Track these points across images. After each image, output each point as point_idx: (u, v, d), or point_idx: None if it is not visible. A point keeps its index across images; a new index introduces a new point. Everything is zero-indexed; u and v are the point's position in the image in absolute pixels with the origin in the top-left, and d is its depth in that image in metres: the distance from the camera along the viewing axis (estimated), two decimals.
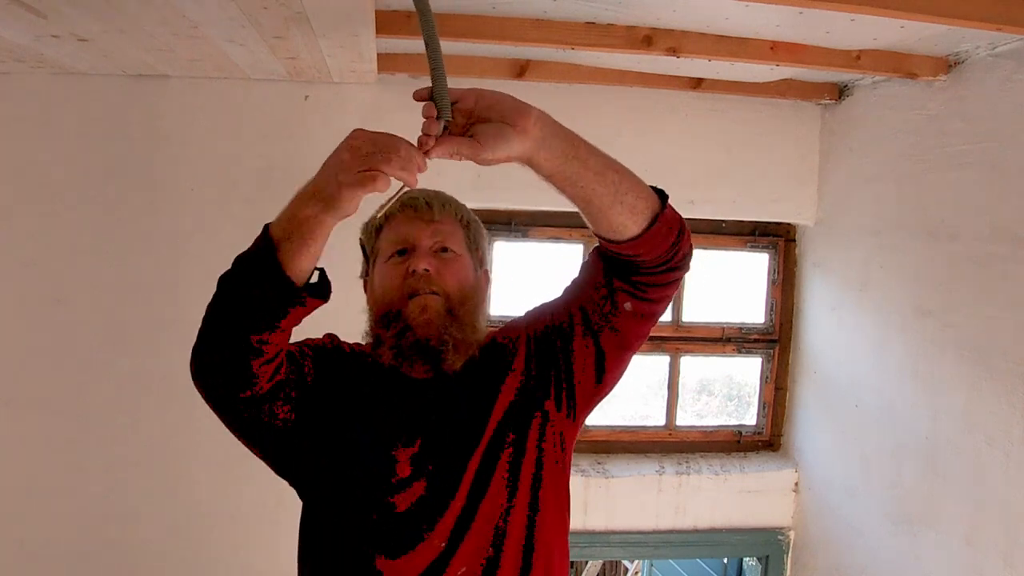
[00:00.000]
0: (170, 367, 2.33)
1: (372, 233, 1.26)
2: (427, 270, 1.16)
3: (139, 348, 2.31)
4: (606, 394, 1.24)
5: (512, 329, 1.28)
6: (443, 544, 1.12)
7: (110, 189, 2.26)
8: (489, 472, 1.15)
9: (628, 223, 1.06)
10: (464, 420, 1.18)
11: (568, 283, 1.24)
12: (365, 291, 1.30)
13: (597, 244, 1.15)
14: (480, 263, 1.28)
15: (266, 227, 1.09)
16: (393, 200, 1.06)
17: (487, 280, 1.31)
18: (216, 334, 1.11)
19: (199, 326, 1.13)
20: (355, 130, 1.01)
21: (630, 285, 1.13)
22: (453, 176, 2.44)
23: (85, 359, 2.29)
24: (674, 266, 1.13)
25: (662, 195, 1.11)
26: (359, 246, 1.32)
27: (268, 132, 2.33)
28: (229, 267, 1.12)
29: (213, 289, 1.11)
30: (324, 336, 1.31)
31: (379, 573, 1.12)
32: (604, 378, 1.20)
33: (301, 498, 1.26)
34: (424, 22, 1.08)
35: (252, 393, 1.10)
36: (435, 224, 1.21)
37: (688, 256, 1.15)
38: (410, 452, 1.16)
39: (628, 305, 1.14)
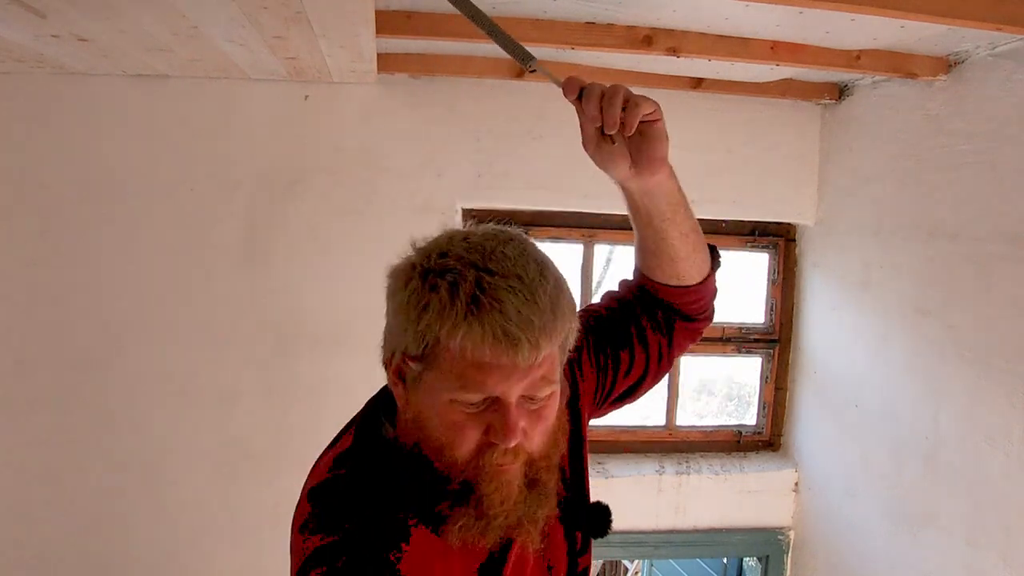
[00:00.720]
0: (169, 367, 2.34)
1: (422, 340, 0.84)
2: (520, 442, 0.86)
3: (139, 348, 2.31)
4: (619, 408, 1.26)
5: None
6: None
7: (110, 189, 2.26)
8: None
9: (692, 272, 1.13)
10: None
11: (608, 304, 1.20)
12: (388, 367, 0.92)
13: (628, 280, 1.21)
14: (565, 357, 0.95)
15: None
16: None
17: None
18: None
19: None
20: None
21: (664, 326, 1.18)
22: (453, 176, 2.45)
23: (85, 359, 2.29)
24: (707, 317, 1.22)
25: (713, 250, 1.19)
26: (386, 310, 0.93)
27: (268, 132, 2.33)
28: None
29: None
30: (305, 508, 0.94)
31: None
32: (640, 386, 1.21)
33: None
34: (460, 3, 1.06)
35: None
36: (534, 370, 0.84)
37: (713, 314, 1.23)
38: None
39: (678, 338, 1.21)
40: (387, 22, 1.76)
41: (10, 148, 2.22)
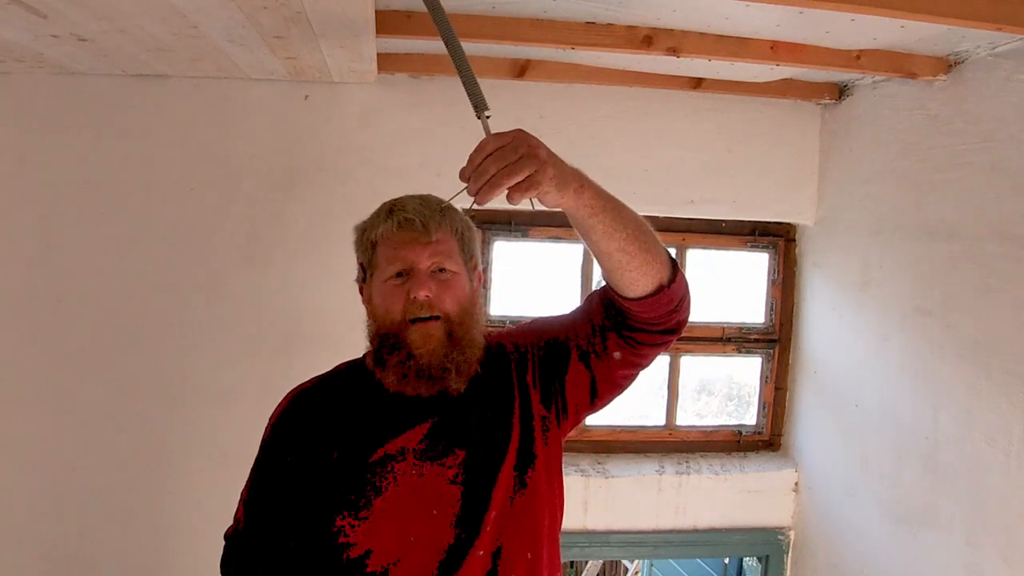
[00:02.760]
0: (170, 367, 2.34)
1: (368, 247, 1.26)
2: (428, 296, 1.18)
3: (139, 348, 2.31)
4: (600, 409, 1.32)
5: (522, 336, 1.33)
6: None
7: (110, 189, 2.26)
8: (518, 476, 1.22)
9: (634, 288, 1.15)
10: (486, 431, 1.23)
11: (571, 309, 1.32)
12: (361, 293, 1.31)
13: (603, 285, 1.23)
14: (473, 268, 1.30)
15: None
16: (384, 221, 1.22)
17: (480, 280, 1.34)
18: None
19: None
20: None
21: (621, 336, 1.22)
22: (452, 176, 2.45)
23: (85, 359, 2.29)
24: (667, 329, 1.22)
25: (674, 265, 1.19)
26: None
27: (268, 132, 2.33)
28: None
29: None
30: (284, 401, 1.33)
31: None
32: (596, 401, 1.29)
33: None
34: (439, 23, 1.09)
35: None
36: (432, 245, 1.21)
37: (683, 324, 1.24)
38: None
39: (617, 354, 1.24)
40: (387, 22, 1.76)
41: (10, 148, 2.22)
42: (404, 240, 1.20)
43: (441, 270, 1.21)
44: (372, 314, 1.26)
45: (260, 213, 2.34)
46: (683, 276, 1.21)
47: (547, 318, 1.36)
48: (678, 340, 1.25)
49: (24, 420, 2.27)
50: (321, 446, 1.23)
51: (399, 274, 1.20)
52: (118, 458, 2.32)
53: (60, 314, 2.27)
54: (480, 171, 0.96)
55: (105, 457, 2.31)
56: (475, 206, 1.04)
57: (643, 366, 1.28)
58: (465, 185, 0.99)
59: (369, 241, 1.25)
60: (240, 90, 2.29)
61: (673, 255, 1.20)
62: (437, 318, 1.19)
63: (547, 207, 1.05)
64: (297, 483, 1.23)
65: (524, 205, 1.02)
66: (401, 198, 1.26)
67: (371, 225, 1.24)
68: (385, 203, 1.28)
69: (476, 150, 0.98)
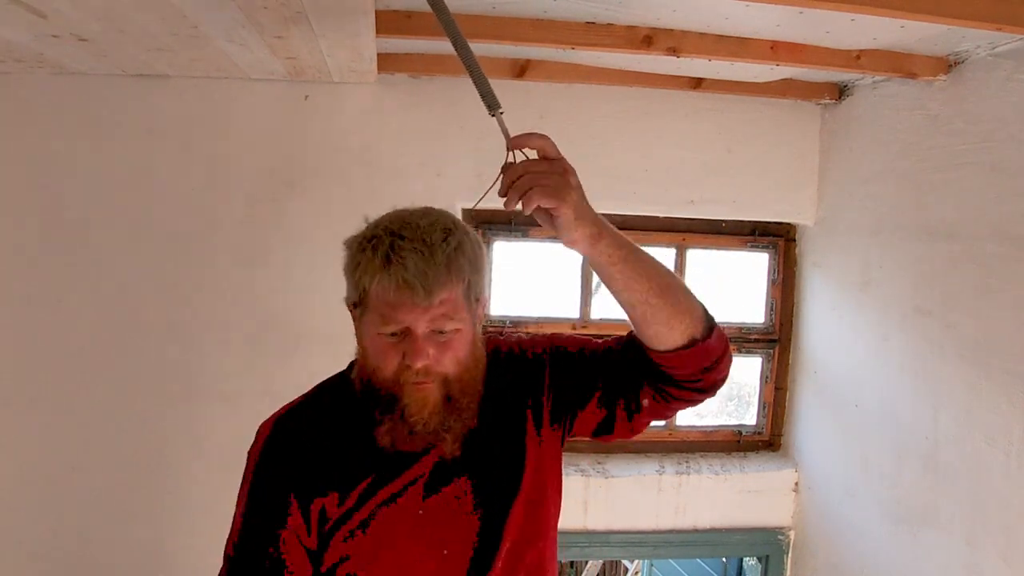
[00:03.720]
0: (169, 367, 2.34)
1: (359, 289, 1.10)
2: (426, 363, 1.08)
3: (139, 348, 2.31)
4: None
5: (536, 345, 1.29)
6: None
7: (110, 189, 2.26)
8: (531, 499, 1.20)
9: (659, 342, 1.13)
10: (496, 458, 1.20)
11: (605, 345, 1.27)
12: (353, 319, 1.19)
13: (628, 338, 1.22)
14: (478, 301, 1.16)
15: None
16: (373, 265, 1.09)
17: (484, 308, 1.23)
18: None
19: None
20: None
21: (652, 386, 1.19)
22: (452, 176, 2.45)
23: (85, 359, 2.29)
24: (701, 388, 1.18)
25: (710, 322, 1.15)
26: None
27: (268, 132, 2.33)
28: None
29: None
30: (264, 432, 1.22)
31: None
32: (601, 437, 1.27)
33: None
34: (445, 24, 1.10)
35: None
36: (432, 308, 1.06)
37: (719, 384, 1.19)
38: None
39: (646, 402, 1.20)
40: (387, 22, 1.76)
41: (10, 148, 2.22)
42: (401, 302, 1.05)
43: (440, 333, 1.09)
44: (363, 356, 1.15)
45: (260, 213, 2.34)
46: (721, 334, 1.16)
47: (570, 337, 1.30)
48: None
49: (24, 420, 2.28)
50: (315, 487, 1.15)
51: (393, 333, 1.09)
52: (118, 458, 2.32)
53: (60, 314, 2.27)
54: (509, 192, 1.01)
55: (105, 457, 2.31)
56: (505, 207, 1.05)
57: (667, 417, 1.27)
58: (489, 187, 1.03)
59: (361, 285, 1.09)
60: (240, 90, 2.29)
61: (709, 312, 1.16)
62: (432, 383, 1.10)
63: (563, 242, 1.06)
64: (296, 529, 1.15)
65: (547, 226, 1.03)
66: (400, 238, 1.07)
67: (364, 267, 1.08)
68: (380, 233, 1.09)
69: (511, 170, 1.03)
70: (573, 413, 1.24)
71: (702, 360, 1.14)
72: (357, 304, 1.14)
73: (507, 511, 1.17)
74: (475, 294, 1.13)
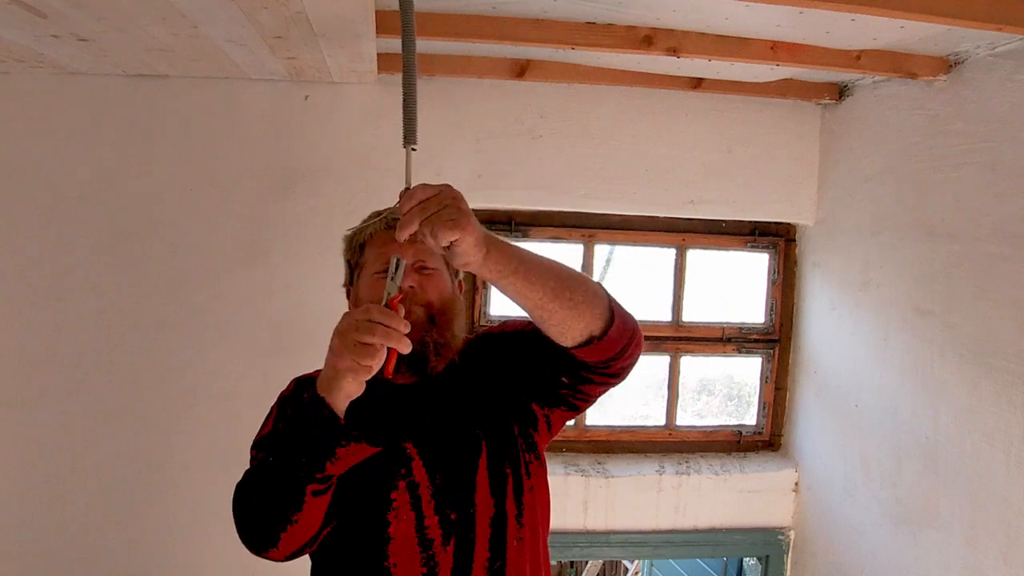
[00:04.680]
0: (169, 367, 2.34)
1: (356, 249, 1.36)
2: (412, 287, 1.26)
3: (139, 348, 2.31)
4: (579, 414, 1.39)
5: (507, 325, 1.40)
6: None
7: (110, 189, 2.26)
8: (500, 471, 1.28)
9: (562, 339, 1.18)
10: (461, 418, 1.29)
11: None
12: (348, 299, 1.40)
13: None
14: (455, 274, 1.38)
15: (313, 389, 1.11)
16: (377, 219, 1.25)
17: (461, 288, 1.41)
18: (273, 494, 1.16)
19: (242, 504, 1.24)
20: (343, 315, 1.09)
21: (571, 372, 1.26)
22: (452, 176, 2.44)
23: (85, 359, 2.29)
24: (610, 374, 1.25)
25: (612, 315, 1.19)
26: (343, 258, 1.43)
27: (268, 132, 2.33)
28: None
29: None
30: (288, 386, 1.39)
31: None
32: (576, 409, 1.35)
33: None
34: (405, 45, 1.12)
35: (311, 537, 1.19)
36: (416, 244, 1.19)
37: (625, 371, 1.26)
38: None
39: (565, 380, 1.28)
40: (387, 22, 1.76)
41: (10, 148, 2.22)
42: (390, 238, 1.27)
43: (424, 268, 1.30)
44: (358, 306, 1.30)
45: (260, 213, 2.34)
46: (623, 326, 1.20)
47: (524, 320, 1.37)
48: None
49: (24, 420, 2.28)
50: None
51: (385, 270, 1.24)
52: (118, 458, 2.32)
53: (60, 314, 2.27)
54: (407, 220, 1.02)
55: (105, 457, 2.31)
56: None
57: (589, 403, 1.33)
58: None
59: (357, 243, 1.36)
60: (240, 90, 2.29)
61: (609, 303, 1.20)
62: (418, 305, 1.26)
63: (456, 265, 1.08)
64: None
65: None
66: (393, 214, 1.31)
67: (360, 229, 1.36)
68: (372, 212, 1.40)
69: (404, 198, 1.04)
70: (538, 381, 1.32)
71: (605, 352, 1.19)
72: (354, 266, 1.36)
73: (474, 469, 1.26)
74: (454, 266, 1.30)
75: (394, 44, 2.12)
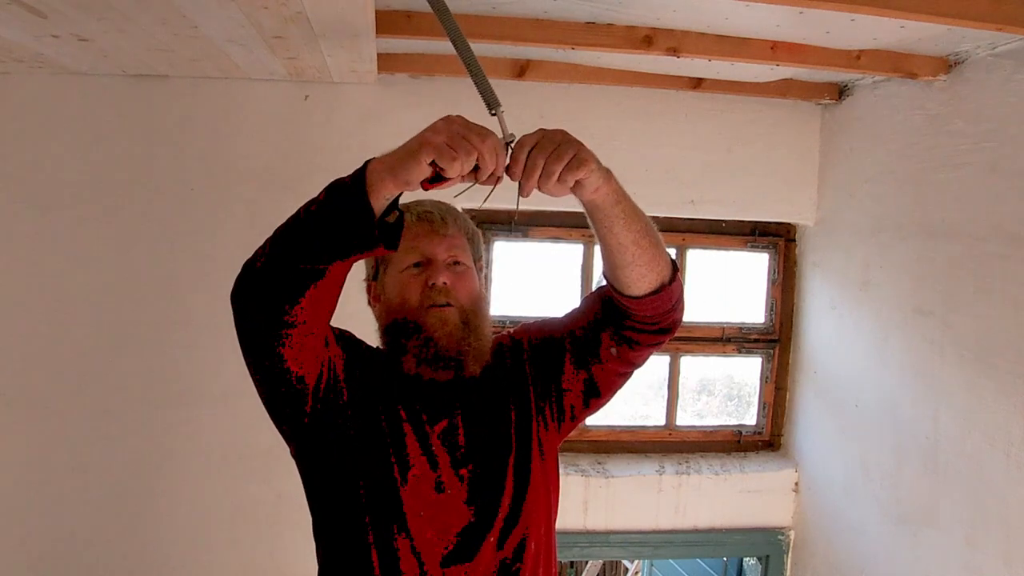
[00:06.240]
0: (170, 367, 2.34)
1: None
2: (445, 283, 1.24)
3: (139, 348, 2.31)
4: (595, 411, 1.35)
5: (518, 333, 1.37)
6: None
7: (110, 189, 2.26)
8: (525, 467, 1.26)
9: (640, 285, 1.16)
10: (493, 418, 1.28)
11: (570, 310, 1.36)
12: (368, 293, 1.36)
13: (603, 285, 1.25)
14: (480, 269, 1.35)
15: (367, 162, 1.11)
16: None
17: (485, 280, 1.41)
18: (283, 252, 1.19)
19: (264, 247, 1.23)
20: (453, 116, 1.05)
21: (618, 334, 1.24)
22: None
23: (85, 359, 2.29)
24: (663, 328, 1.24)
25: (674, 267, 1.21)
26: None
27: (268, 132, 2.33)
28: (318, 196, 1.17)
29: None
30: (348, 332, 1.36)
31: None
32: (592, 402, 1.31)
33: (307, 471, 1.38)
34: (446, 24, 1.11)
35: (285, 345, 1.21)
36: (448, 239, 1.27)
37: (677, 324, 1.27)
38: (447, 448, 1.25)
39: (614, 350, 1.26)
40: (387, 22, 1.76)
41: (10, 148, 2.22)
42: (422, 232, 1.26)
43: (456, 263, 1.27)
44: (387, 304, 1.28)
45: (260, 213, 2.34)
46: (680, 276, 1.22)
47: (548, 318, 1.38)
48: (678, 340, 1.27)
49: (24, 420, 2.27)
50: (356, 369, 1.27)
51: (417, 264, 1.25)
52: (118, 458, 2.32)
53: (60, 314, 2.27)
54: (530, 166, 1.01)
55: (105, 457, 2.31)
56: (523, 197, 1.05)
57: (638, 365, 1.30)
58: (468, 185, 1.04)
59: None
60: (240, 90, 2.29)
61: (671, 255, 1.22)
62: (451, 305, 1.24)
63: (582, 197, 1.06)
64: (332, 355, 1.26)
65: (528, 204, 1.02)
66: (415, 200, 1.29)
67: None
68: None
69: (517, 148, 1.03)
70: (558, 384, 1.29)
71: (669, 300, 1.19)
72: (380, 260, 1.31)
73: (501, 488, 1.23)
74: (477, 254, 1.33)
75: (394, 44, 2.13)
